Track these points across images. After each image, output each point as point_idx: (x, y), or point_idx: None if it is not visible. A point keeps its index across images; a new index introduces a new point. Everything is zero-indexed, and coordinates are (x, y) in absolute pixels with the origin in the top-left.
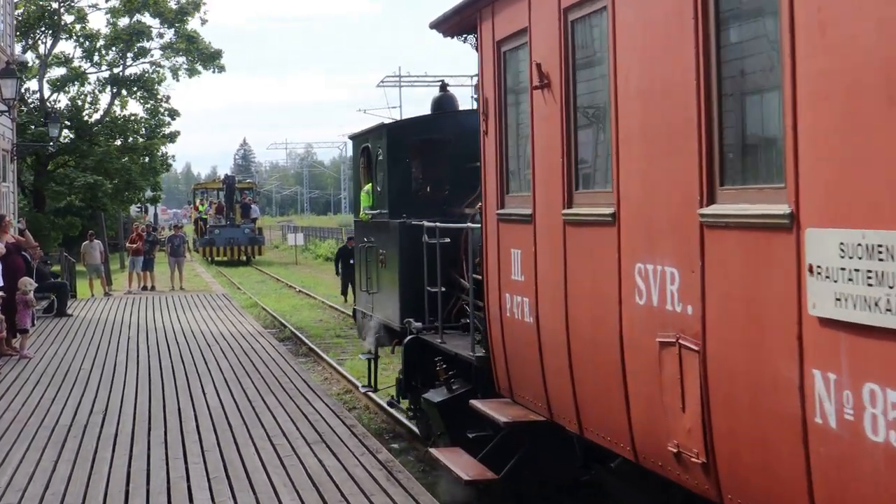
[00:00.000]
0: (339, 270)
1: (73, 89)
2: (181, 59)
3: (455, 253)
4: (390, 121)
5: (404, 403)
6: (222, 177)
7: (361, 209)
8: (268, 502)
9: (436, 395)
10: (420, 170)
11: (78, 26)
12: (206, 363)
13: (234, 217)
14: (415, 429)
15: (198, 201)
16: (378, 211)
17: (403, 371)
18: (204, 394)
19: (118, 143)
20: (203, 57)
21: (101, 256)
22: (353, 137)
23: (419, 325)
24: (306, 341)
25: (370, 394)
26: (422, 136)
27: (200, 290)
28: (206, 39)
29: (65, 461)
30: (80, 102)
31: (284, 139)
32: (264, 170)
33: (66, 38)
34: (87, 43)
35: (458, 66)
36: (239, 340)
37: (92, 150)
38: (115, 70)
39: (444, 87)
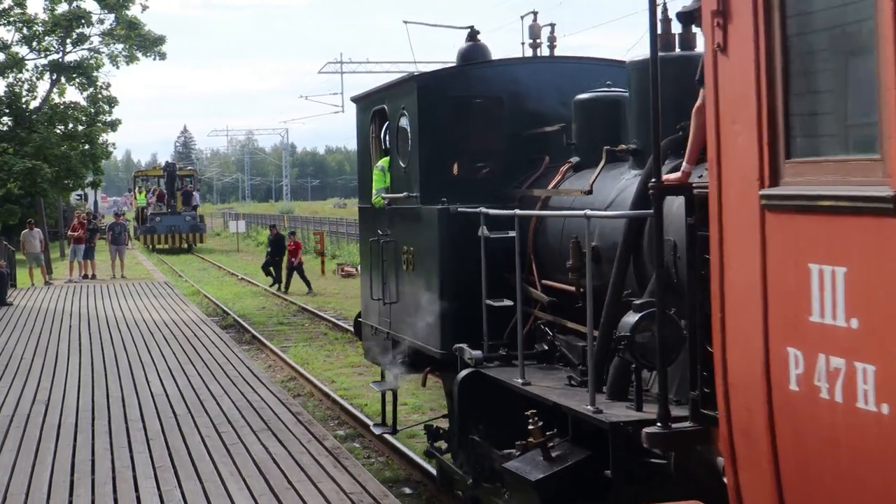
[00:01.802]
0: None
1: (12, 76)
2: (120, 46)
3: (521, 253)
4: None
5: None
6: (163, 164)
7: (373, 192)
8: (214, 490)
9: (529, 467)
10: (463, 138)
11: (17, 10)
12: (149, 351)
13: (176, 205)
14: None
15: (136, 189)
16: (403, 194)
17: (457, 420)
18: (148, 382)
19: (58, 130)
20: (145, 43)
21: (41, 245)
22: (359, 99)
23: (478, 354)
24: (250, 329)
25: (388, 436)
26: (465, 93)
27: (142, 278)
28: (147, 27)
29: (8, 451)
30: (17, 89)
31: (225, 126)
32: (205, 157)
33: (4, 24)
34: (26, 29)
35: (402, 51)
36: (182, 328)
37: (31, 138)
38: (55, 56)
39: (473, 34)
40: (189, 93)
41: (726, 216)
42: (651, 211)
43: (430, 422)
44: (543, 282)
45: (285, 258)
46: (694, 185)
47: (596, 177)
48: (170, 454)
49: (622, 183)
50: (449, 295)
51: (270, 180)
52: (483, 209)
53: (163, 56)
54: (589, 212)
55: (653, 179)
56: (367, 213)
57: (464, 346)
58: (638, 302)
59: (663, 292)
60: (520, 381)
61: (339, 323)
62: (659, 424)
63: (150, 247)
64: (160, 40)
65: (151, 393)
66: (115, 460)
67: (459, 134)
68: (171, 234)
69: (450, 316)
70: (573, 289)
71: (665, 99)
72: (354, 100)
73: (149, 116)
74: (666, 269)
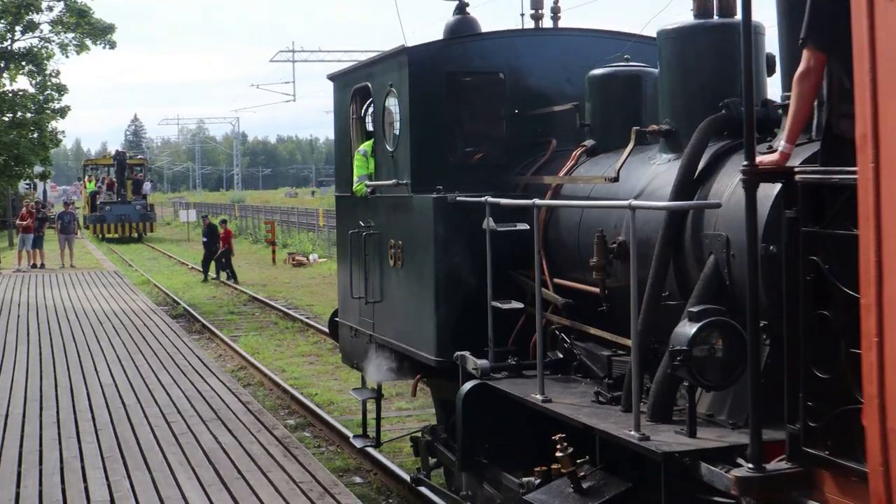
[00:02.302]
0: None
1: None
2: (70, 35)
3: (527, 248)
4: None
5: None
6: (113, 153)
7: (355, 179)
8: (163, 480)
9: (558, 501)
10: (459, 119)
11: None
12: (98, 341)
13: (126, 193)
14: None
15: (86, 178)
16: (391, 182)
17: (460, 439)
18: (97, 372)
19: (6, 118)
20: (95, 32)
21: None
22: (338, 76)
23: (485, 363)
24: (200, 318)
25: (370, 450)
26: (462, 68)
27: (91, 267)
28: (97, 15)
29: None
30: None
31: (176, 115)
32: (156, 146)
33: None
34: None
35: (354, 41)
36: (131, 318)
37: None
38: (4, 44)
39: (462, 6)
40: (139, 81)
41: (887, 210)
42: (713, 203)
43: (416, 433)
44: (556, 281)
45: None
46: (796, 169)
47: (623, 161)
48: (118, 444)
49: (652, 169)
50: (445, 295)
51: (221, 169)
52: (489, 198)
53: (113, 45)
54: (635, 202)
55: (745, 162)
56: (346, 203)
57: (466, 353)
58: (695, 309)
59: (760, 307)
60: (539, 396)
61: (290, 312)
62: (751, 466)
63: (100, 236)
64: (110, 28)
65: (100, 383)
66: (63, 451)
67: (455, 114)
68: (121, 224)
69: (447, 319)
70: (596, 290)
71: (704, 73)
72: (332, 77)
73: (99, 105)
74: (715, 269)
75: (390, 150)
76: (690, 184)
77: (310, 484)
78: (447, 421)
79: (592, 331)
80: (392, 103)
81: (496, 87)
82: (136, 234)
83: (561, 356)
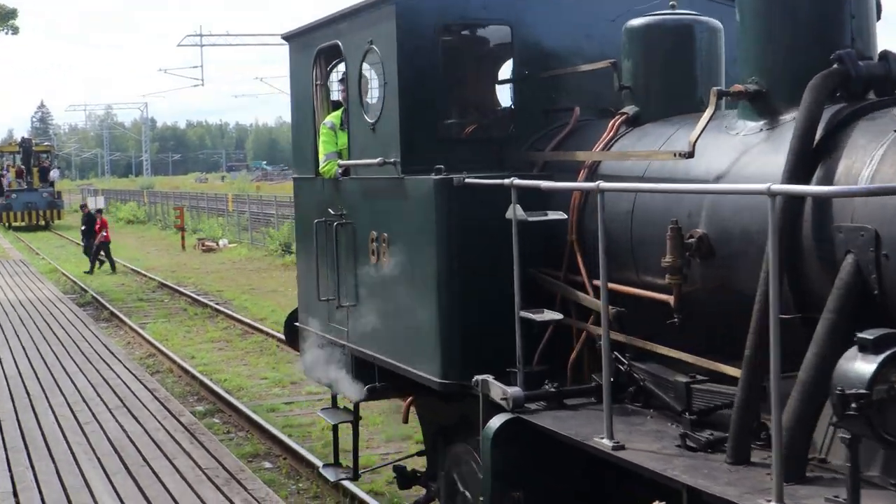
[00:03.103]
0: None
1: None
2: None
3: (561, 244)
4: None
5: None
6: (19, 140)
7: (321, 157)
8: (67, 469)
9: None
10: (459, 82)
11: None
12: (2, 331)
13: (32, 181)
14: None
15: None
16: (376, 161)
17: (489, 489)
18: (0, 362)
19: None
20: None
21: None
22: (296, 36)
23: (517, 392)
24: (108, 306)
25: (346, 483)
26: (461, 19)
27: None
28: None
29: None
30: None
31: (83, 101)
32: (63, 133)
33: None
34: None
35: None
36: (37, 306)
37: None
38: None
39: None
40: (46, 67)
41: None
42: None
43: (401, 461)
44: (597, 283)
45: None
46: None
47: (701, 132)
48: (22, 435)
49: (736, 141)
50: (452, 301)
51: (130, 155)
52: (515, 179)
53: (16, 30)
54: (777, 186)
55: None
56: (308, 186)
57: (489, 378)
58: (870, 336)
59: None
60: (607, 442)
61: (200, 298)
62: None
63: (6, 224)
64: (12, 14)
65: (4, 373)
66: None
67: (453, 76)
68: (28, 211)
69: (455, 331)
70: (663, 297)
71: (802, 19)
72: (288, 37)
73: (3, 92)
74: (857, 273)
75: (370, 121)
76: (809, 159)
77: (216, 470)
78: (441, 452)
79: (662, 350)
80: (373, 63)
81: (503, 43)
82: (43, 222)
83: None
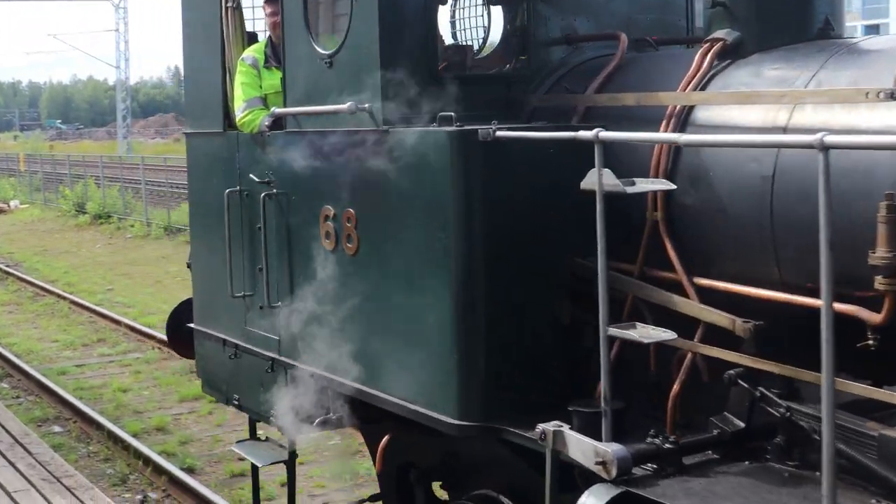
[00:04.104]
0: None
1: None
2: None
3: (635, 225)
4: None
5: None
6: None
7: (238, 105)
8: None
9: None
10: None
11: None
12: None
13: None
14: None
15: None
16: (344, 107)
17: None
18: None
19: None
20: None
21: None
22: None
23: (621, 451)
24: None
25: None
26: None
27: None
28: None
29: None
30: None
31: None
32: None
33: None
34: None
35: None
36: None
37: None
38: None
39: None
40: None
41: None
42: None
43: None
44: (704, 283)
45: None
46: None
47: None
48: None
49: None
50: (477, 310)
51: None
52: (602, 131)
53: None
54: None
55: None
56: (211, 145)
57: (564, 428)
58: None
59: None
60: None
61: None
62: None
63: None
64: None
65: None
66: None
67: None
68: None
69: (479, 352)
70: (852, 309)
71: None
72: None
73: None
74: None
75: (324, 53)
76: None
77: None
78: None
79: (855, 387)
80: None
81: None
82: None
83: (741, 424)
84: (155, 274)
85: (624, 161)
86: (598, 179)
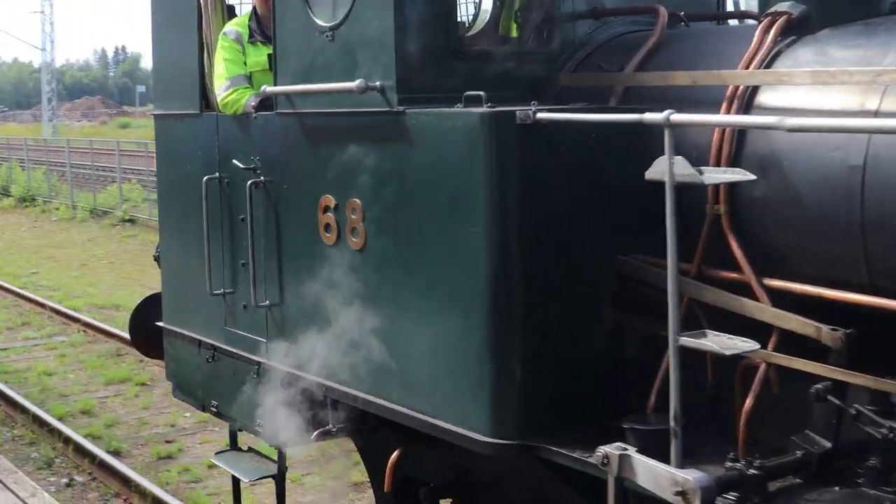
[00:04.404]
0: None
1: None
2: None
3: (693, 220)
4: None
5: None
6: None
7: (220, 84)
8: None
9: None
10: None
11: None
12: None
13: None
14: None
15: None
16: (352, 84)
17: None
18: None
19: None
20: None
21: None
22: None
23: (704, 479)
24: None
25: None
26: None
27: None
28: None
29: None
30: None
31: None
32: None
33: None
34: None
35: None
36: None
37: None
38: None
39: None
40: None
41: None
42: None
43: None
44: (777, 285)
45: None
46: None
47: None
48: None
49: None
50: (514, 315)
51: None
52: (674, 114)
53: None
54: None
55: None
56: (185, 127)
57: (631, 451)
58: None
59: None
60: None
61: None
62: None
63: None
64: None
65: None
66: None
67: None
68: None
69: (516, 361)
70: None
71: None
72: None
73: None
74: None
75: (325, 26)
76: None
77: None
78: None
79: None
80: None
81: None
82: None
83: (827, 444)
84: (80, 257)
85: (699, 149)
86: (669, 168)
